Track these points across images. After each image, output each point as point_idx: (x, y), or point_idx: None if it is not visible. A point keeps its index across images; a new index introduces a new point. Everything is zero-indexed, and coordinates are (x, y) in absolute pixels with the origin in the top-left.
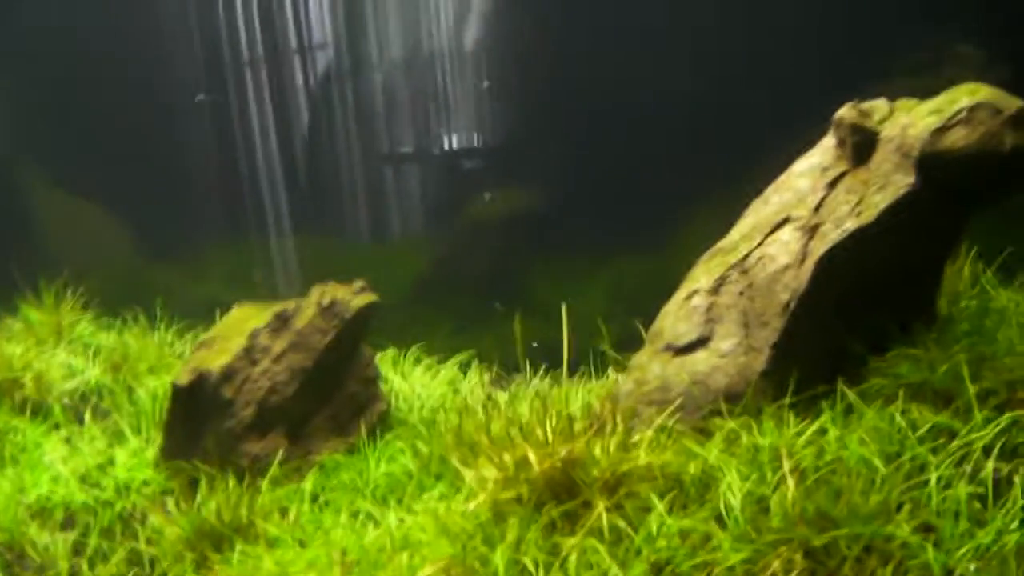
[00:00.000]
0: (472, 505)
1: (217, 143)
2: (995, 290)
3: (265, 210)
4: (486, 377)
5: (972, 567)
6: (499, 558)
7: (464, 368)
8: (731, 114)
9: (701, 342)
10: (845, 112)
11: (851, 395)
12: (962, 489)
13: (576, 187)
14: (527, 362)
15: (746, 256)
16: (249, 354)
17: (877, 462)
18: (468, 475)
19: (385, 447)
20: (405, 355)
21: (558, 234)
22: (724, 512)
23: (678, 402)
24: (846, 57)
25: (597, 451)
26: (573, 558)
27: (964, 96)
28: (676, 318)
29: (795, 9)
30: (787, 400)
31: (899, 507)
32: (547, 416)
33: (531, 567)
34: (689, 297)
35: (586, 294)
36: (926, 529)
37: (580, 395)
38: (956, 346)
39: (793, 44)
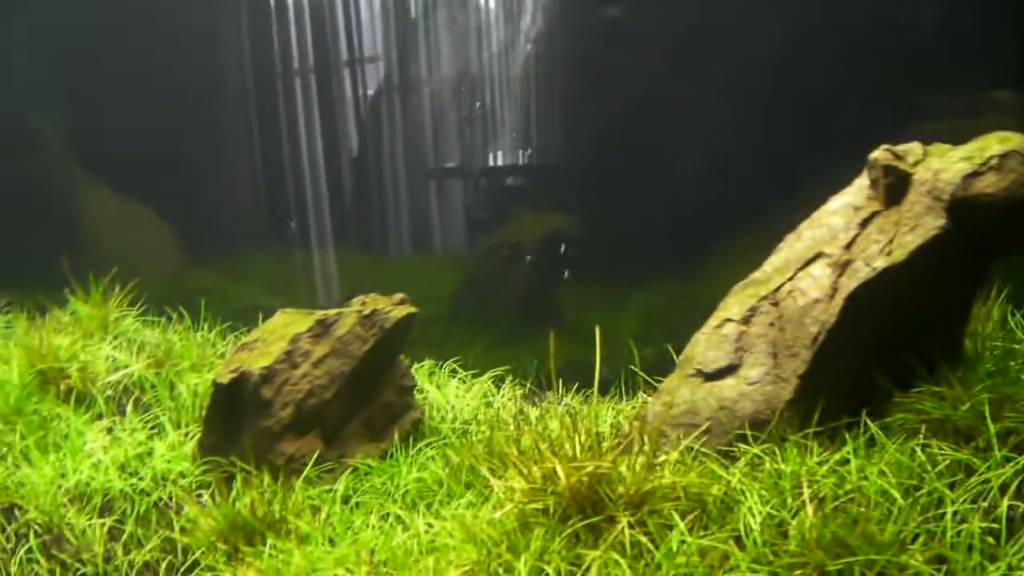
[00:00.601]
0: (499, 514)
1: (266, 153)
2: (1022, 332)
3: (309, 220)
4: (519, 392)
5: None
6: (523, 565)
7: (498, 383)
8: (773, 150)
9: (730, 369)
10: (879, 154)
11: (874, 428)
12: (976, 524)
13: (616, 212)
14: (559, 380)
15: (778, 288)
16: (290, 357)
17: (895, 494)
18: (497, 485)
19: (417, 454)
20: (441, 367)
21: (596, 257)
22: (744, 534)
23: (705, 426)
24: (889, 99)
25: (623, 469)
26: (595, 570)
27: (996, 143)
28: (707, 345)
29: (841, 49)
30: (812, 429)
31: (914, 538)
32: (576, 433)
33: None
34: (721, 325)
35: (621, 317)
36: (939, 561)
37: (610, 415)
38: (979, 386)
39: (839, 84)
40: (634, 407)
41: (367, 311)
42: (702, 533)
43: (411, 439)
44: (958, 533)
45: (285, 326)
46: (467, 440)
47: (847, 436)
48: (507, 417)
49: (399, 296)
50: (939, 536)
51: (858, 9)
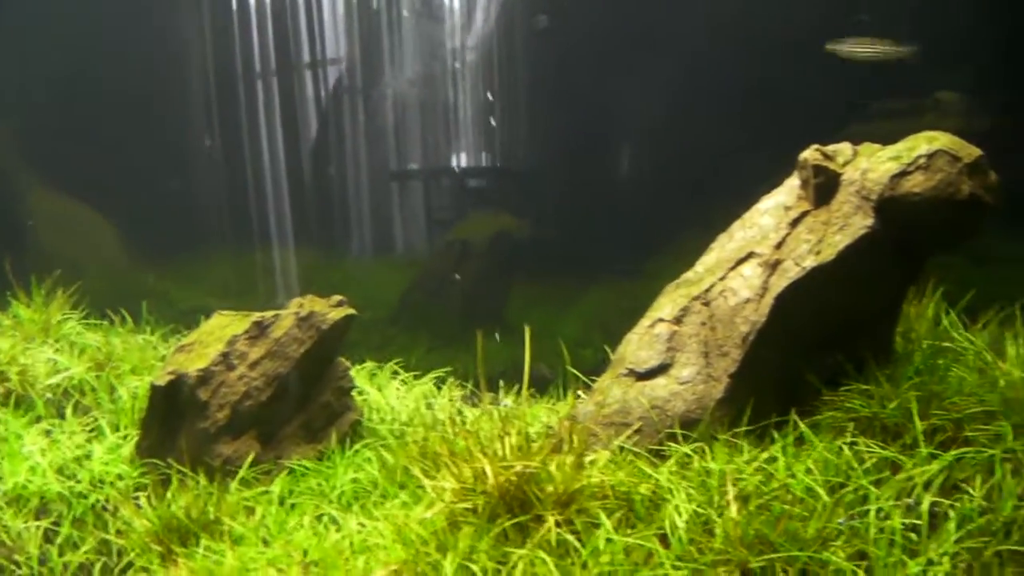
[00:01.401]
0: (429, 513)
1: (212, 153)
2: (955, 331)
3: (257, 221)
4: (459, 394)
5: None
6: (449, 565)
7: (439, 384)
8: (712, 152)
9: (662, 368)
10: (809, 154)
11: (803, 426)
12: (898, 521)
13: (562, 214)
14: (499, 382)
15: (709, 288)
16: (226, 359)
17: (821, 491)
18: (428, 485)
19: (354, 456)
20: (383, 368)
21: (541, 259)
22: (669, 532)
23: (636, 425)
24: (827, 100)
25: (552, 468)
26: (521, 568)
27: (924, 143)
28: (639, 345)
29: (780, 53)
30: (742, 428)
31: (837, 535)
32: (506, 433)
33: (479, 575)
34: (653, 325)
35: (565, 318)
36: (861, 557)
37: (545, 415)
38: (907, 383)
39: (776, 87)
40: (570, 407)
41: (304, 313)
42: (628, 531)
43: (348, 440)
44: (881, 530)
45: (222, 328)
46: (403, 441)
47: (776, 435)
48: (444, 418)
49: (337, 298)
50: (862, 532)
51: (799, 8)
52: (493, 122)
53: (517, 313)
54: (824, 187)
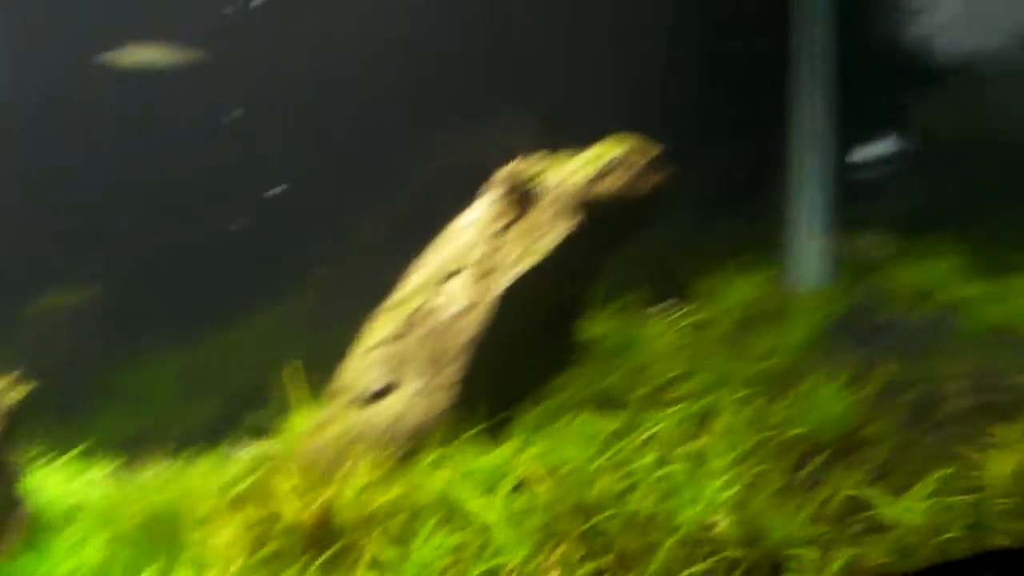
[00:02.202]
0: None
1: None
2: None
3: None
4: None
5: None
6: None
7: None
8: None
9: (389, 388)
10: (509, 170)
11: (536, 413)
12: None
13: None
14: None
15: (421, 306)
16: None
17: (594, 462)
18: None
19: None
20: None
21: (132, 323)
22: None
23: (378, 445)
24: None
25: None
26: None
27: (615, 147)
28: (360, 371)
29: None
30: (481, 427)
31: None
32: (278, 476)
33: None
34: (371, 350)
35: (163, 378)
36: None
37: (232, 466)
38: (617, 361)
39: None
40: (254, 456)
41: None
42: (446, 531)
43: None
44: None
45: None
46: (114, 518)
47: (515, 426)
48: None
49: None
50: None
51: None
52: None
53: (123, 382)
54: (524, 198)
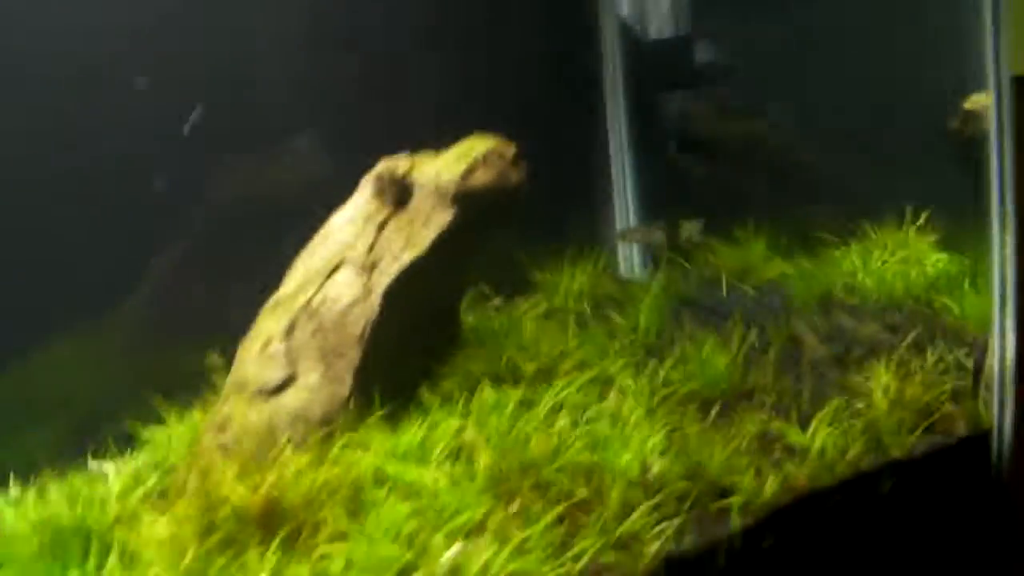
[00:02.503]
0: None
1: None
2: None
3: None
4: None
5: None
6: None
7: None
8: None
9: (289, 381)
10: (383, 167)
11: (435, 394)
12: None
13: None
14: None
15: (309, 300)
16: None
17: (515, 428)
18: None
19: None
20: None
21: None
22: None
23: (286, 436)
24: None
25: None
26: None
27: (479, 144)
28: (259, 365)
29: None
30: (379, 412)
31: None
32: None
33: None
34: (266, 345)
35: None
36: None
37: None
38: (495, 345)
39: None
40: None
41: None
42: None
43: None
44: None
45: None
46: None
47: (413, 408)
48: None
49: None
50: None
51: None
52: None
53: None
54: (400, 192)
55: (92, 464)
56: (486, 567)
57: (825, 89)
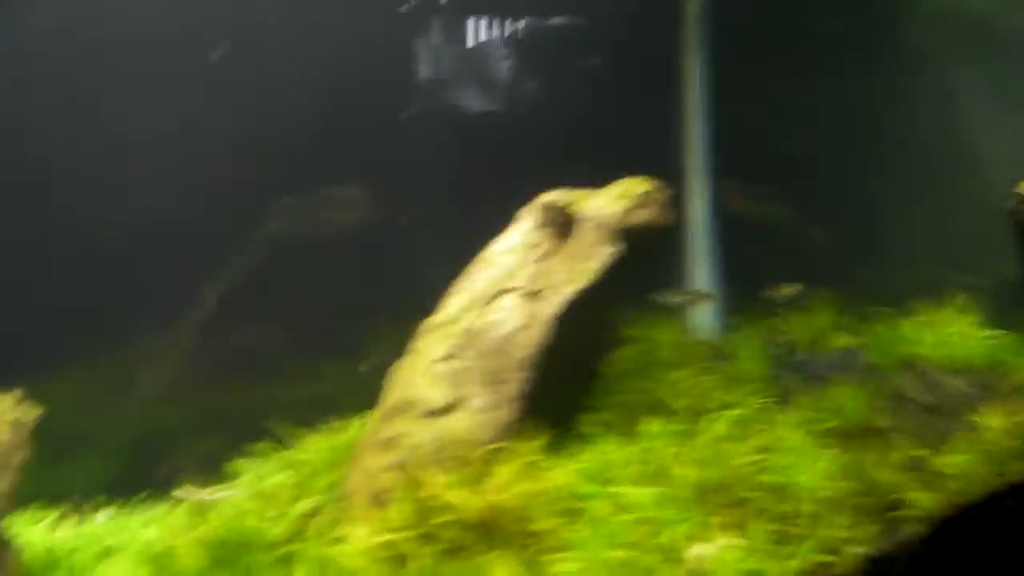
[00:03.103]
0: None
1: None
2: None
3: None
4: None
5: None
6: None
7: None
8: None
9: (455, 404)
10: (552, 198)
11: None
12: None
13: None
14: None
15: (472, 325)
16: None
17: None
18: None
19: None
20: None
21: None
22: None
23: (456, 457)
24: None
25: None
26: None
27: (635, 186)
28: (424, 386)
29: None
30: (543, 438)
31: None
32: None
33: None
34: (429, 366)
35: None
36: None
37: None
38: (647, 379)
39: None
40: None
41: (19, 411)
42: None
43: None
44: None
45: None
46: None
47: (574, 434)
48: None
49: (18, 393)
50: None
51: None
52: None
53: None
54: (566, 225)
55: (184, 491)
56: (723, 564)
57: (890, 175)
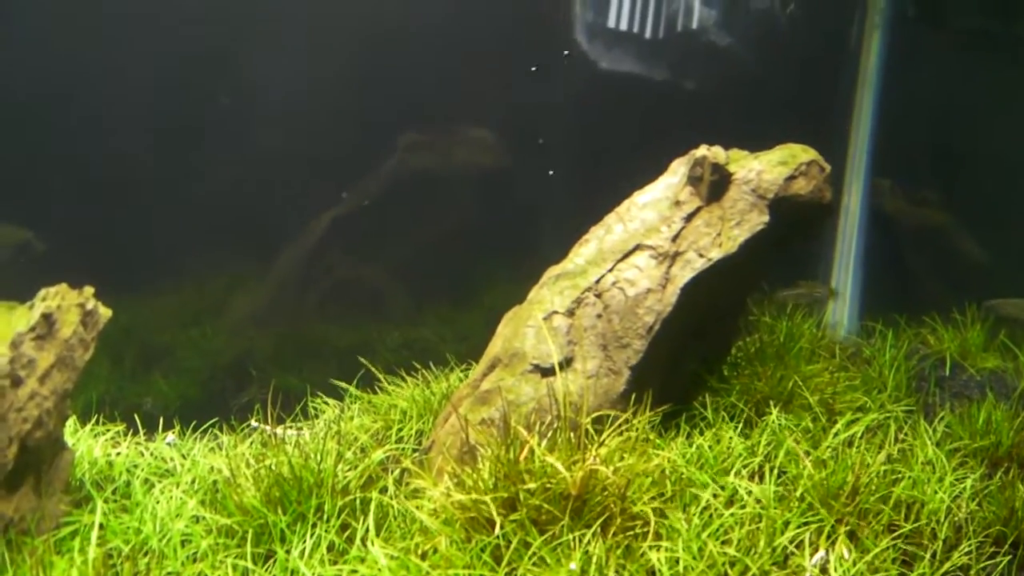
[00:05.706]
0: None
1: None
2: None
3: None
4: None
5: None
6: None
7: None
8: None
9: (566, 363)
10: (706, 152)
11: (713, 405)
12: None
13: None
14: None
15: (599, 280)
16: (12, 369)
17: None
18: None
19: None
20: None
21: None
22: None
23: (556, 423)
24: None
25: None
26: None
27: (801, 153)
28: (538, 339)
29: None
30: (646, 416)
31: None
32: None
33: None
34: (548, 318)
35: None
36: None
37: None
38: (778, 367)
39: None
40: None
41: (90, 305)
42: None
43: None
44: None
45: None
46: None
47: (698, 417)
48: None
49: (89, 289)
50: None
51: None
52: None
53: None
54: (718, 184)
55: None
56: None
57: None
